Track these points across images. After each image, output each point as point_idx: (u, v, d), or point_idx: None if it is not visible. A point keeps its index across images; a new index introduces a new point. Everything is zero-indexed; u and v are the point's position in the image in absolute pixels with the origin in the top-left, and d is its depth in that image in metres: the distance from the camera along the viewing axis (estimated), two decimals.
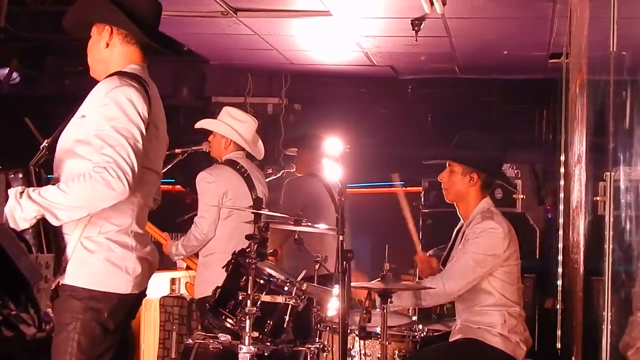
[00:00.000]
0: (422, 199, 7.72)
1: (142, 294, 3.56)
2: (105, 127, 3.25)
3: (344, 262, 3.69)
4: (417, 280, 5.03)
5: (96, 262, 3.35)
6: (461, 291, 4.44)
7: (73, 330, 3.32)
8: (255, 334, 4.18)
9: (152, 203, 3.68)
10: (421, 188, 7.78)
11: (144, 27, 3.47)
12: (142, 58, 3.55)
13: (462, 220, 4.68)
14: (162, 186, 3.81)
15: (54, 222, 3.23)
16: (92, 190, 3.18)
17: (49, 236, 3.25)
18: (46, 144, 3.48)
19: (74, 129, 3.36)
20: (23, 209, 3.18)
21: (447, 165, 4.65)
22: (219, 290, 4.41)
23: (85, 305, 3.31)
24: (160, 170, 3.64)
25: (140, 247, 3.47)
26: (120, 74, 3.40)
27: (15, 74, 8.00)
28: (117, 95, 3.29)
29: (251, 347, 4.07)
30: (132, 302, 3.48)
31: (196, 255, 5.65)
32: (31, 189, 3.22)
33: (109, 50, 3.51)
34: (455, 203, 4.67)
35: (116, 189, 3.18)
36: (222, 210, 5.42)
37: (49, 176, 3.43)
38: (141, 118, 3.28)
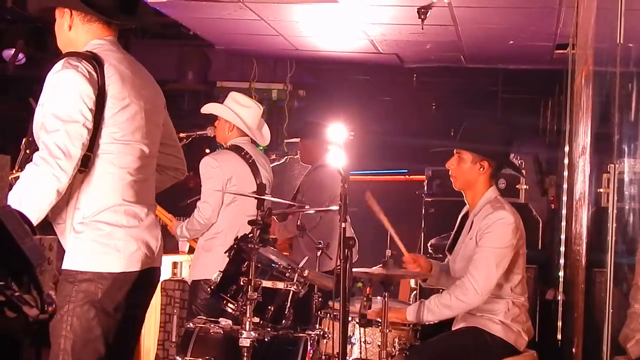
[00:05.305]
0: (425, 188, 7.71)
1: (149, 272, 3.47)
2: (47, 114, 3.26)
3: (346, 249, 3.69)
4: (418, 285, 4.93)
5: (84, 244, 3.32)
6: (491, 291, 4.41)
7: (66, 314, 3.30)
8: (256, 320, 4.18)
9: (151, 175, 3.57)
10: (424, 177, 7.76)
11: (98, 5, 3.44)
12: (109, 32, 3.50)
13: (466, 207, 4.66)
14: None
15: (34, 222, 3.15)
16: (28, 187, 3.17)
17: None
18: (24, 145, 3.42)
19: (36, 120, 3.34)
20: None
21: (454, 152, 4.61)
22: (220, 275, 4.42)
23: (77, 288, 3.29)
24: (148, 141, 3.48)
25: (134, 223, 3.40)
26: (68, 55, 3.39)
27: (20, 55, 7.97)
28: (58, 80, 3.29)
29: (252, 333, 4.07)
30: (132, 281, 3.39)
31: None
32: None
33: (73, 31, 3.50)
34: (462, 191, 4.65)
35: (48, 177, 3.17)
36: (226, 195, 5.41)
37: None
38: (83, 100, 3.26)
